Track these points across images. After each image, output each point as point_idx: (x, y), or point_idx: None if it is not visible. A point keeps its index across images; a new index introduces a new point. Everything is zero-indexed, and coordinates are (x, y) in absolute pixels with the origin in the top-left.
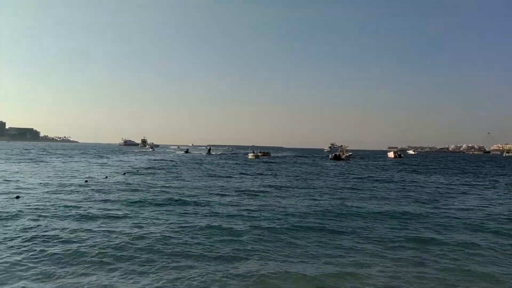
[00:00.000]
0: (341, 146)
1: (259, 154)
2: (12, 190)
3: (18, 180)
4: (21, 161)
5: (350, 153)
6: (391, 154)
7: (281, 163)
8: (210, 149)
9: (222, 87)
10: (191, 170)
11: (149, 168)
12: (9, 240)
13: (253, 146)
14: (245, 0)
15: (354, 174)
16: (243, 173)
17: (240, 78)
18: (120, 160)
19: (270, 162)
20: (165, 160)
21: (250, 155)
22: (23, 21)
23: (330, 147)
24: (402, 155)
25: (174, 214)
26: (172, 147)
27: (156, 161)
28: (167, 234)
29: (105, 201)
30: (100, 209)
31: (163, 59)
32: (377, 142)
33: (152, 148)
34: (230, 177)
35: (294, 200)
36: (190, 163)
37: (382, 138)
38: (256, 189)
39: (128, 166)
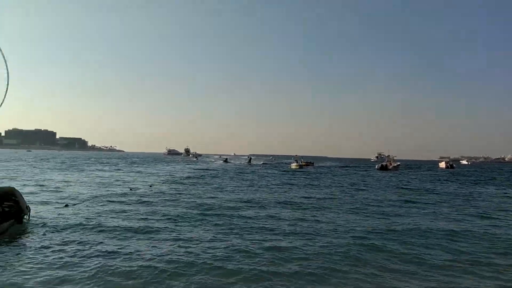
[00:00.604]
0: (388, 156)
1: (303, 164)
2: (60, 200)
3: (65, 189)
4: (68, 170)
5: (398, 163)
6: (442, 164)
7: (326, 173)
8: (251, 158)
9: (263, 98)
10: (231, 180)
11: (189, 177)
12: (58, 252)
13: (296, 155)
14: None
15: (404, 185)
16: (286, 183)
17: (276, 86)
18: (163, 169)
19: (314, 172)
20: (207, 170)
21: (293, 165)
22: (66, 31)
23: (377, 157)
24: (454, 165)
25: (209, 227)
26: (215, 156)
27: (197, 170)
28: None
29: (148, 212)
30: (141, 219)
31: (203, 72)
32: (427, 152)
33: (195, 157)
34: (271, 187)
35: (343, 214)
36: (231, 173)
37: (433, 147)
38: (299, 201)
39: (170, 175)
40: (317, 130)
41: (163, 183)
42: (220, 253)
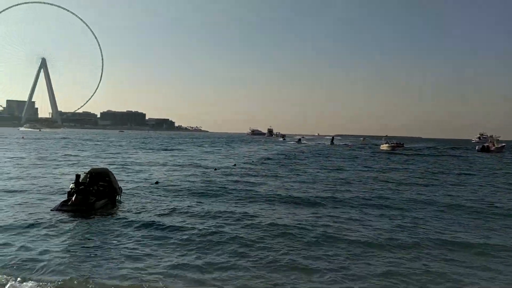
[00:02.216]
0: (491, 136)
1: (394, 145)
2: (149, 178)
3: (154, 168)
4: (158, 149)
5: (503, 144)
6: None
7: (415, 155)
8: (333, 138)
9: (354, 76)
10: (304, 164)
11: (266, 159)
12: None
13: (386, 136)
14: None
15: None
16: (367, 167)
17: (375, 63)
18: (241, 149)
19: (403, 154)
20: (285, 151)
21: (384, 146)
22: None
23: (479, 137)
24: None
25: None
26: (296, 137)
27: (276, 152)
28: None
29: (231, 189)
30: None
31: (282, 50)
32: None
33: (282, 137)
34: (348, 171)
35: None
36: (310, 155)
37: None
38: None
39: (247, 157)
40: (407, 109)
41: (242, 162)
42: None
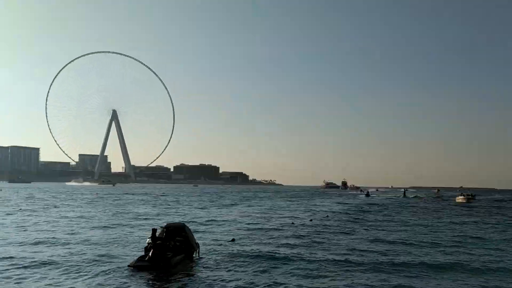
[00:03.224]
0: None
1: (470, 197)
2: (226, 235)
3: (229, 223)
4: (232, 205)
5: None
6: None
7: (491, 207)
8: (405, 191)
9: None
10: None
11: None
12: None
13: (461, 187)
14: None
15: None
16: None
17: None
18: (317, 204)
19: (473, 206)
20: (371, 204)
21: (459, 198)
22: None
23: None
24: None
25: None
26: (370, 189)
27: (346, 206)
28: None
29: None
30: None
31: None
32: None
33: (366, 193)
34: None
35: None
36: (378, 211)
37: None
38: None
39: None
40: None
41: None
42: None
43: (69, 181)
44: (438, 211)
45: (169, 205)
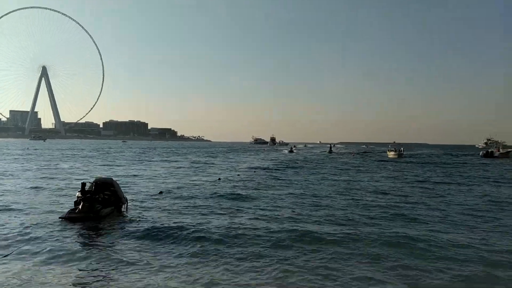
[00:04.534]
0: (497, 141)
1: (400, 152)
2: (154, 187)
3: (156, 179)
4: (160, 160)
5: (509, 150)
6: None
7: (415, 162)
8: (331, 147)
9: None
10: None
11: (269, 168)
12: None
13: (393, 143)
14: None
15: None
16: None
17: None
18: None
19: (402, 162)
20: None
21: (391, 154)
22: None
23: (485, 143)
24: None
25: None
26: (299, 145)
27: (278, 161)
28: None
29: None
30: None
31: (285, 54)
32: None
33: (290, 149)
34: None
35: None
36: (304, 164)
37: None
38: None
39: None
40: (410, 113)
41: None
42: None
43: (2, 136)
44: (356, 167)
45: (98, 159)
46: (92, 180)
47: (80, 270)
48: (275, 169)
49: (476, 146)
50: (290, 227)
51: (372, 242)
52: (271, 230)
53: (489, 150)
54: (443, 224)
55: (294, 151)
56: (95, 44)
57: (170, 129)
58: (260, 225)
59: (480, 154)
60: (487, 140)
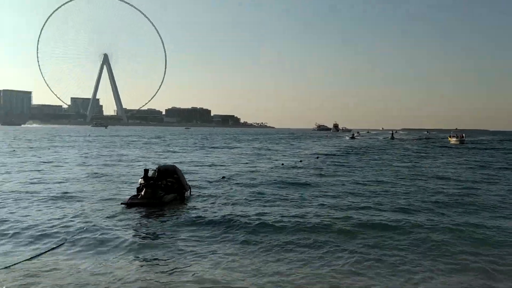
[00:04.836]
0: None
1: (464, 138)
2: (217, 173)
3: (220, 165)
4: (223, 147)
5: None
6: None
7: (478, 148)
8: (393, 133)
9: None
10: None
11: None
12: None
13: (456, 129)
14: None
15: None
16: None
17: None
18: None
19: (464, 148)
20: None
21: (453, 140)
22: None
23: None
24: None
25: None
26: (362, 132)
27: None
28: None
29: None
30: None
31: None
32: None
33: (351, 135)
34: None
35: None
36: (366, 151)
37: None
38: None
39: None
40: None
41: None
42: None
43: (63, 123)
44: (418, 153)
45: (162, 146)
46: (155, 167)
47: (140, 258)
48: (339, 155)
49: None
50: (353, 215)
51: (435, 230)
52: (335, 217)
53: None
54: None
55: (357, 137)
56: (157, 31)
57: (233, 115)
58: (323, 213)
59: None
60: None
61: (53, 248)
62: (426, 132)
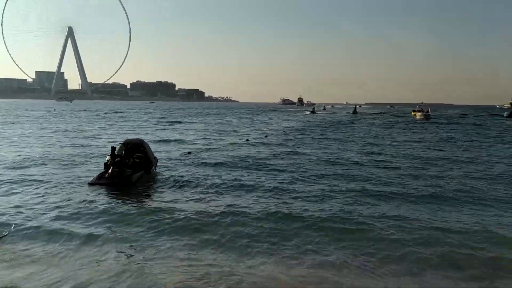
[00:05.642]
0: None
1: (429, 113)
2: (186, 147)
3: (185, 138)
4: (189, 122)
5: None
6: None
7: (449, 123)
8: (356, 108)
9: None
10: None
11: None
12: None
13: (421, 103)
14: None
15: None
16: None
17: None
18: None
19: (438, 123)
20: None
21: (418, 114)
22: None
23: (511, 103)
24: None
25: None
26: (327, 106)
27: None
28: None
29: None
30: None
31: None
32: None
33: (312, 109)
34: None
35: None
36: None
37: None
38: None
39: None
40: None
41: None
42: None
43: (28, 97)
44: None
45: (126, 121)
46: (121, 141)
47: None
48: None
49: (497, 106)
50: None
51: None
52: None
53: None
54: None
55: (317, 112)
56: (121, 3)
57: (198, 89)
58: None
59: (505, 114)
60: None
61: None
62: (389, 107)
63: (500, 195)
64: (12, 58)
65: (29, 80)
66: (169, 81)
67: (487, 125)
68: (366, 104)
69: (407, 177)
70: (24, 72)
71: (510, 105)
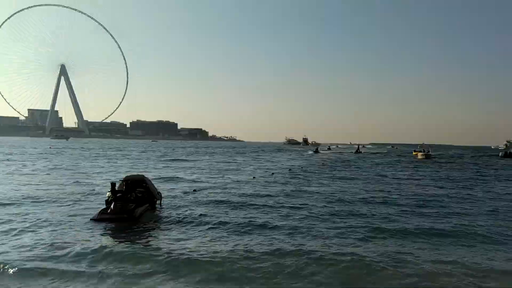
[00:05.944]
0: None
1: (430, 153)
2: (192, 185)
3: (189, 177)
4: (193, 160)
5: None
6: None
7: (451, 163)
8: (359, 147)
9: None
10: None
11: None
12: None
13: (422, 144)
14: None
15: None
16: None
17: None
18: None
19: (438, 162)
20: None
21: (420, 154)
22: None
23: (506, 144)
24: None
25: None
26: (332, 146)
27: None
28: None
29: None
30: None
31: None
32: None
33: (315, 149)
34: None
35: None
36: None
37: None
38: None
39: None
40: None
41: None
42: None
43: (22, 135)
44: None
45: (128, 159)
46: (121, 178)
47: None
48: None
49: (492, 147)
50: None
51: None
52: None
53: (509, 151)
54: None
55: (321, 151)
56: (114, 39)
57: (201, 129)
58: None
59: (500, 154)
60: (507, 141)
61: None
62: (390, 147)
63: (499, 230)
64: (2, 95)
65: (22, 118)
66: (170, 121)
67: (484, 164)
68: (370, 144)
69: (409, 214)
70: (16, 110)
71: (504, 146)
